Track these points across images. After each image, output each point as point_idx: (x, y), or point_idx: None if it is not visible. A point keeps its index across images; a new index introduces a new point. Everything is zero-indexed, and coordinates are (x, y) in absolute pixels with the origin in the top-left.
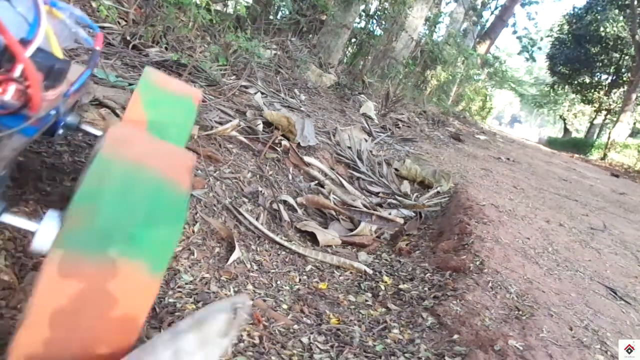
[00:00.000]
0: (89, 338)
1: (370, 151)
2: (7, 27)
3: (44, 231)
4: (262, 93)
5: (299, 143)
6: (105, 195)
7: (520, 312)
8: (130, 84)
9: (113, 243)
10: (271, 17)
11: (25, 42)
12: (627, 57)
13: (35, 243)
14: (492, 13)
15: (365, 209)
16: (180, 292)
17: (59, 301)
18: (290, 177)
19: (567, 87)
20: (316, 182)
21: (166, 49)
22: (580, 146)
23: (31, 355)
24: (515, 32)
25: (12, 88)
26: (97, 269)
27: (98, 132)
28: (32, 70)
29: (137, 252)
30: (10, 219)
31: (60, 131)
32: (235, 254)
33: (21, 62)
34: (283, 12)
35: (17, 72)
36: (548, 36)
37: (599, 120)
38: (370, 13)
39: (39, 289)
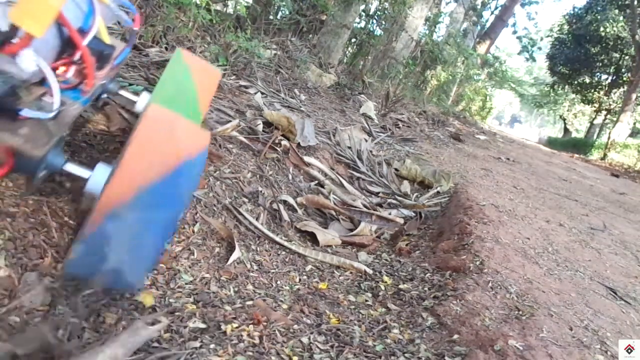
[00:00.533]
0: (171, 154)
1: (370, 151)
2: (69, 18)
3: (96, 178)
4: (262, 93)
5: (299, 143)
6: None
7: (520, 312)
8: (130, 84)
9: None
10: (271, 17)
11: (83, 32)
12: (627, 57)
13: (88, 187)
14: (492, 13)
15: (365, 209)
16: (180, 292)
17: (154, 132)
18: (290, 177)
19: (567, 87)
20: (316, 182)
21: (166, 49)
22: (580, 146)
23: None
24: (515, 32)
25: (72, 69)
26: (175, 117)
27: (135, 97)
28: (87, 56)
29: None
30: (70, 167)
31: (104, 95)
32: (235, 254)
33: (80, 49)
34: (283, 12)
35: (76, 57)
36: (548, 36)
37: (599, 120)
38: (370, 13)
39: (141, 126)
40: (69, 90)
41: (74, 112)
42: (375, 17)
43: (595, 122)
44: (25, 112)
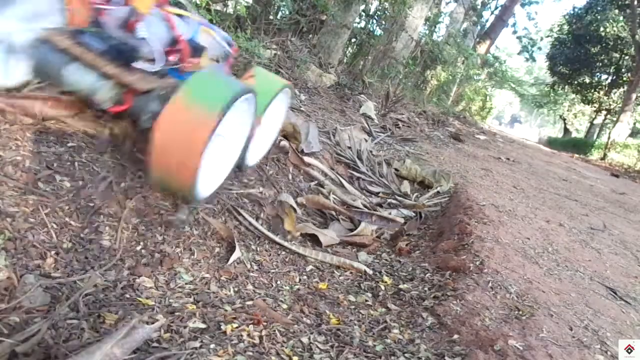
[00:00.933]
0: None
1: (370, 151)
2: (181, 29)
3: None
4: None
5: (302, 149)
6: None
7: (520, 312)
8: None
9: None
10: (271, 17)
11: (182, 35)
12: (627, 57)
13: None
14: (492, 13)
15: (365, 209)
16: (180, 292)
17: (176, 119)
18: (290, 177)
19: (567, 87)
20: (316, 182)
21: None
22: (580, 146)
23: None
24: (515, 32)
25: (176, 55)
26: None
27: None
28: (185, 48)
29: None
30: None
31: None
32: (236, 254)
33: (181, 43)
34: (283, 12)
35: (179, 48)
36: (548, 36)
37: (599, 120)
38: (370, 13)
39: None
40: (172, 68)
41: (172, 81)
42: (375, 17)
43: (595, 122)
44: (138, 64)
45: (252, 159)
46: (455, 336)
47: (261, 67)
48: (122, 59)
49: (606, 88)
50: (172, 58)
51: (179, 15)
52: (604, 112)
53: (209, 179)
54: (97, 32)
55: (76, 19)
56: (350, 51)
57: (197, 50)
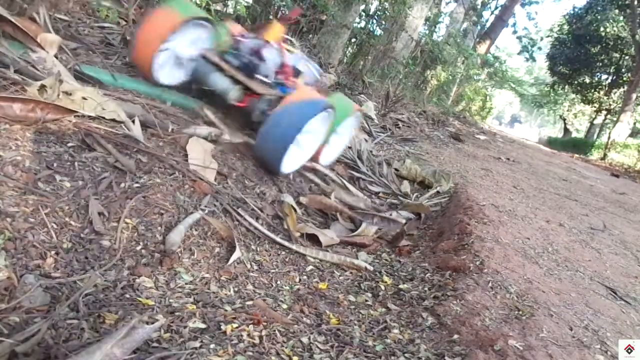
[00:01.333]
0: None
1: (370, 151)
2: (289, 58)
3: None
4: None
5: None
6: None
7: (520, 312)
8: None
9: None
10: (271, 17)
11: (288, 62)
12: (627, 57)
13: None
14: (492, 13)
15: (368, 211)
16: (180, 292)
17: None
18: (291, 177)
19: (567, 87)
20: (317, 182)
21: None
22: (580, 146)
23: None
24: (515, 32)
25: (283, 75)
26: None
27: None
28: (289, 71)
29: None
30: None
31: None
32: (236, 254)
33: (287, 67)
34: (283, 12)
35: (285, 70)
36: (548, 36)
37: (599, 120)
38: (370, 13)
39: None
40: (279, 84)
41: (277, 91)
42: (375, 17)
43: (595, 122)
44: (258, 76)
45: (324, 161)
46: (455, 336)
47: (341, 94)
48: (248, 72)
49: (606, 88)
50: (280, 76)
51: (288, 50)
52: (604, 112)
53: (290, 163)
54: (234, 53)
55: (222, 45)
56: (350, 51)
57: (297, 73)
